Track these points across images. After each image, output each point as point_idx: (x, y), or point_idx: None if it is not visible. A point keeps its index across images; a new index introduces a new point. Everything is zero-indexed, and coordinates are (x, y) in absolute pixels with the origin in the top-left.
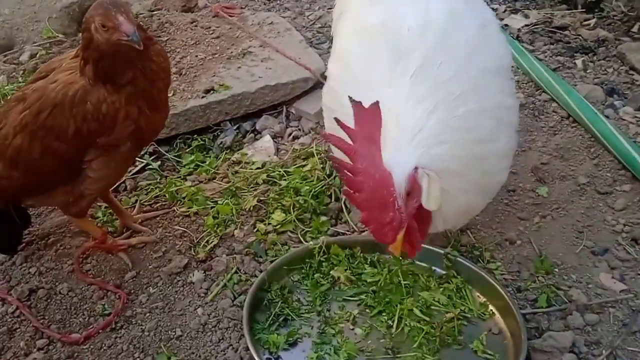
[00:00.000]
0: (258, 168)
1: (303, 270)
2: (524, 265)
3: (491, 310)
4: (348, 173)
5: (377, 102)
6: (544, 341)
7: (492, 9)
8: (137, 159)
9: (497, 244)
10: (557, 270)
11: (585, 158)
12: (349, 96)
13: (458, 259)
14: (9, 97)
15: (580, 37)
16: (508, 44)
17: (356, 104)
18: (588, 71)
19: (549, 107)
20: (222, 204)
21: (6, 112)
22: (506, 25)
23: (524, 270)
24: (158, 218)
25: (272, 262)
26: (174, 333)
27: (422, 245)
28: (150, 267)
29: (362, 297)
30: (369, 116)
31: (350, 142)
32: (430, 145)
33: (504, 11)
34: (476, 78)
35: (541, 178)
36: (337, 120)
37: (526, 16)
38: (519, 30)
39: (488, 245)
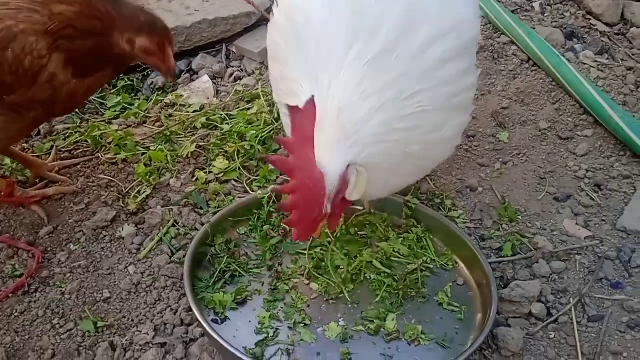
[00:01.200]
0: (195, 111)
1: (251, 222)
2: (487, 213)
3: (455, 260)
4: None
5: (312, 99)
6: (512, 291)
7: None
8: None
9: (458, 192)
10: (520, 217)
11: (546, 103)
12: (286, 104)
13: (418, 207)
14: None
15: None
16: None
17: (292, 108)
18: (546, 14)
19: (509, 49)
20: (154, 150)
21: None
22: None
23: (486, 219)
24: (79, 166)
25: (215, 213)
26: (100, 295)
27: None
28: (70, 221)
29: (317, 250)
30: (305, 116)
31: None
32: (367, 145)
33: None
34: (433, 71)
35: (501, 123)
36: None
37: None
38: None
39: (449, 193)
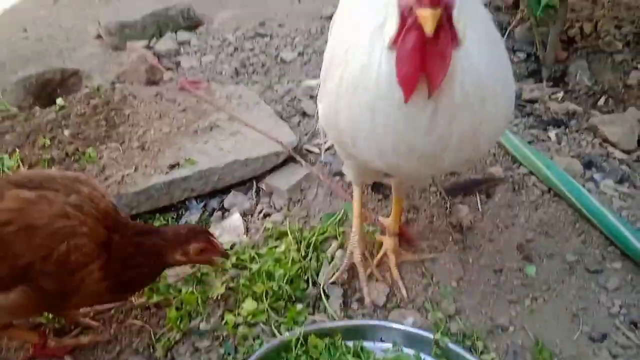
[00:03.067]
0: (227, 249)
1: None
2: (520, 355)
3: None
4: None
5: None
6: None
7: None
8: None
9: (489, 332)
10: None
11: (571, 234)
12: None
13: (449, 345)
14: None
15: (550, 110)
16: None
17: None
18: (562, 144)
19: (529, 180)
20: (186, 292)
21: None
22: None
23: None
24: (112, 311)
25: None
26: None
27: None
28: None
29: None
30: None
31: None
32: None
33: None
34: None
35: (528, 256)
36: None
37: None
38: None
39: (479, 334)
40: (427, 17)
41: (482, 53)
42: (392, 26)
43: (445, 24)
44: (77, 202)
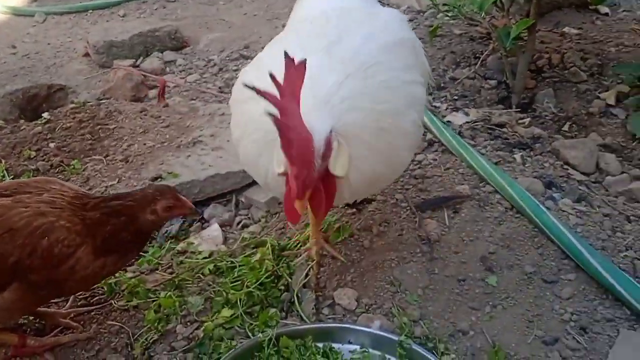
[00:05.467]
0: (205, 258)
1: None
2: (478, 357)
3: None
4: (281, 128)
5: (305, 60)
6: None
7: (435, 106)
8: None
9: (450, 335)
10: None
11: (530, 247)
12: (284, 51)
13: (413, 347)
14: None
15: (517, 134)
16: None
17: (288, 59)
18: (527, 165)
19: (494, 198)
20: (164, 296)
21: None
22: (449, 121)
23: None
24: (93, 312)
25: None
26: None
27: (373, 330)
28: None
29: None
30: (295, 73)
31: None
32: (342, 111)
33: (446, 109)
34: (378, 53)
35: (489, 267)
36: (271, 76)
37: (467, 114)
38: (460, 126)
39: (442, 336)
40: (297, 205)
41: (368, 159)
42: (280, 164)
43: (319, 184)
44: (49, 199)
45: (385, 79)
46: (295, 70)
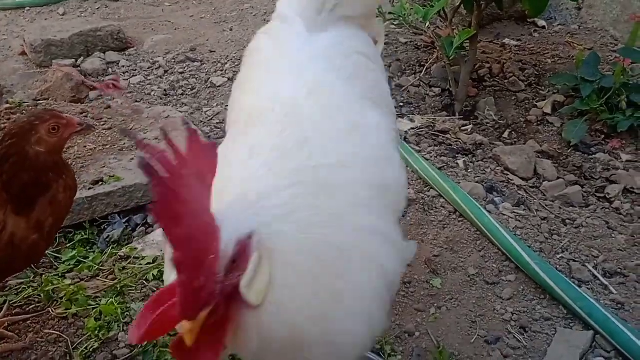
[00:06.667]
0: (149, 263)
1: None
2: (423, 358)
3: None
4: (167, 195)
5: (214, 143)
6: None
7: None
8: None
9: (397, 337)
10: None
11: (472, 250)
12: (183, 118)
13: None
14: None
15: (460, 140)
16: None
17: (191, 130)
18: (469, 170)
19: (437, 202)
20: (106, 303)
21: None
22: None
23: None
24: (29, 321)
25: None
26: None
27: None
28: None
29: None
30: (203, 151)
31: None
32: (276, 218)
33: None
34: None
35: (434, 270)
36: (163, 131)
37: (412, 120)
38: (406, 132)
39: (388, 339)
40: (185, 332)
41: (298, 293)
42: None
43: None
44: None
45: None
46: (204, 149)
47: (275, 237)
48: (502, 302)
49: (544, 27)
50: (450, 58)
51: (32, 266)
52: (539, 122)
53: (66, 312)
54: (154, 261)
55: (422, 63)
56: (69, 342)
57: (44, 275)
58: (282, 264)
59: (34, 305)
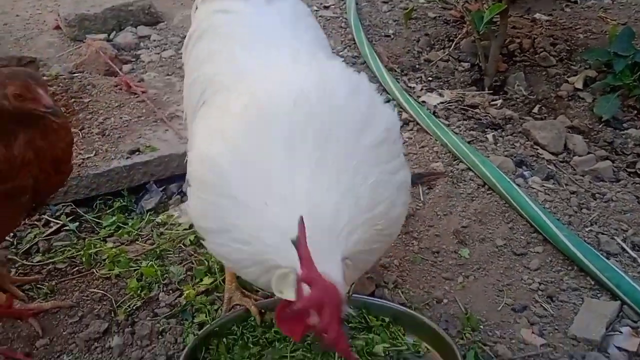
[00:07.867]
0: (185, 229)
1: (236, 335)
2: (452, 323)
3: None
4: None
5: (302, 217)
6: None
7: (410, 87)
8: (52, 219)
9: (425, 303)
10: (482, 327)
11: (501, 222)
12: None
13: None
14: None
15: (489, 115)
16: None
17: (300, 225)
18: (498, 144)
19: (467, 175)
20: (146, 266)
21: None
22: (424, 102)
23: (451, 328)
24: (74, 281)
25: (201, 325)
26: None
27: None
28: (64, 333)
29: (298, 352)
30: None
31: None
32: (347, 235)
33: (421, 90)
34: (367, 154)
35: (462, 240)
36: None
37: (441, 95)
38: (435, 107)
39: (418, 304)
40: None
41: (365, 257)
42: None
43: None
44: None
45: (375, 179)
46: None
47: (352, 247)
48: (529, 273)
49: (575, 2)
50: (480, 33)
51: (75, 229)
52: (569, 98)
53: (109, 273)
54: (190, 227)
55: (451, 38)
56: (113, 300)
57: (86, 240)
58: (356, 256)
59: (77, 268)
